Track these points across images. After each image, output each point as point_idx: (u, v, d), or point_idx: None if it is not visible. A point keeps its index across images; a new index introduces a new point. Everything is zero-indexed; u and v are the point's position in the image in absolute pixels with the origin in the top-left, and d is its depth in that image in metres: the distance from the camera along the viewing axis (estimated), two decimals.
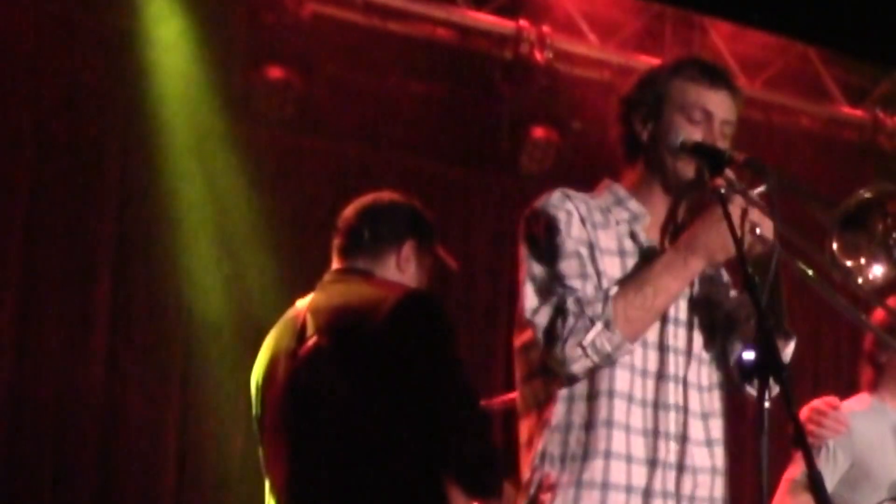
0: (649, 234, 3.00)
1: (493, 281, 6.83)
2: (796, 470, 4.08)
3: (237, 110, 6.32)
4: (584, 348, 2.79)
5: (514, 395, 3.15)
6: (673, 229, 3.01)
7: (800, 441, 2.63)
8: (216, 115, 6.21)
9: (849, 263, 2.82)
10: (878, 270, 2.85)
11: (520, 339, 2.99)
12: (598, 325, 2.78)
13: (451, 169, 6.89)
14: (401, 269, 3.64)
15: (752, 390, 3.05)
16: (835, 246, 2.79)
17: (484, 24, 6.84)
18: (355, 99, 6.61)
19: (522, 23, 6.85)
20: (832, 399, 4.12)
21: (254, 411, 3.68)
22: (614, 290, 2.83)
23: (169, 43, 6.14)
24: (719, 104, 2.99)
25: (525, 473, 2.96)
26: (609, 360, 2.83)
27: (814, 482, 2.54)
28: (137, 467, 6.11)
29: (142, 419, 6.10)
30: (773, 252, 2.77)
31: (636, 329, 2.82)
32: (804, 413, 4.04)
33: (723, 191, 2.83)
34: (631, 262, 2.94)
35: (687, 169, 2.95)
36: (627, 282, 2.86)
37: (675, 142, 2.95)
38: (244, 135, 6.35)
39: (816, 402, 4.07)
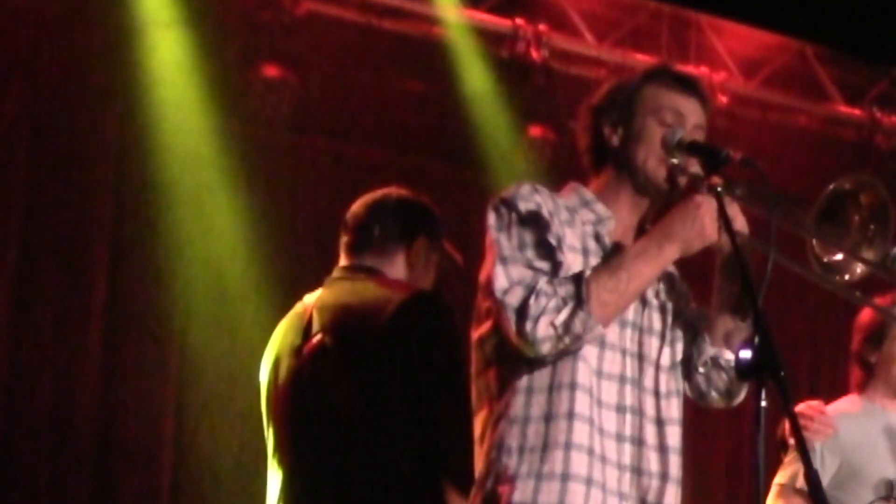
0: (614, 237, 3.00)
1: None
2: (785, 475, 4.09)
3: (233, 109, 6.30)
4: (555, 328, 2.77)
5: None
6: (639, 233, 3.01)
7: (797, 439, 2.62)
8: (212, 114, 6.19)
9: (830, 259, 2.81)
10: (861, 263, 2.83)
11: (477, 332, 2.99)
12: (571, 306, 2.77)
13: (448, 167, 6.87)
14: (410, 267, 3.62)
15: (717, 400, 3.07)
16: (814, 244, 2.78)
17: (480, 22, 6.82)
18: (351, 97, 6.59)
19: (518, 21, 6.85)
20: (817, 403, 4.13)
21: (262, 406, 3.68)
22: (588, 272, 2.82)
23: (164, 42, 6.12)
24: (691, 109, 3.00)
25: (479, 467, 2.94)
26: (579, 342, 2.81)
27: (811, 481, 2.52)
28: (132, 476, 6.07)
29: (137, 429, 6.07)
30: (745, 245, 2.78)
31: (608, 312, 2.81)
32: None
33: (719, 189, 2.82)
34: (594, 262, 2.92)
35: (660, 170, 2.96)
36: (602, 266, 2.86)
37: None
38: (240, 133, 6.33)
39: (801, 407, 4.08)
